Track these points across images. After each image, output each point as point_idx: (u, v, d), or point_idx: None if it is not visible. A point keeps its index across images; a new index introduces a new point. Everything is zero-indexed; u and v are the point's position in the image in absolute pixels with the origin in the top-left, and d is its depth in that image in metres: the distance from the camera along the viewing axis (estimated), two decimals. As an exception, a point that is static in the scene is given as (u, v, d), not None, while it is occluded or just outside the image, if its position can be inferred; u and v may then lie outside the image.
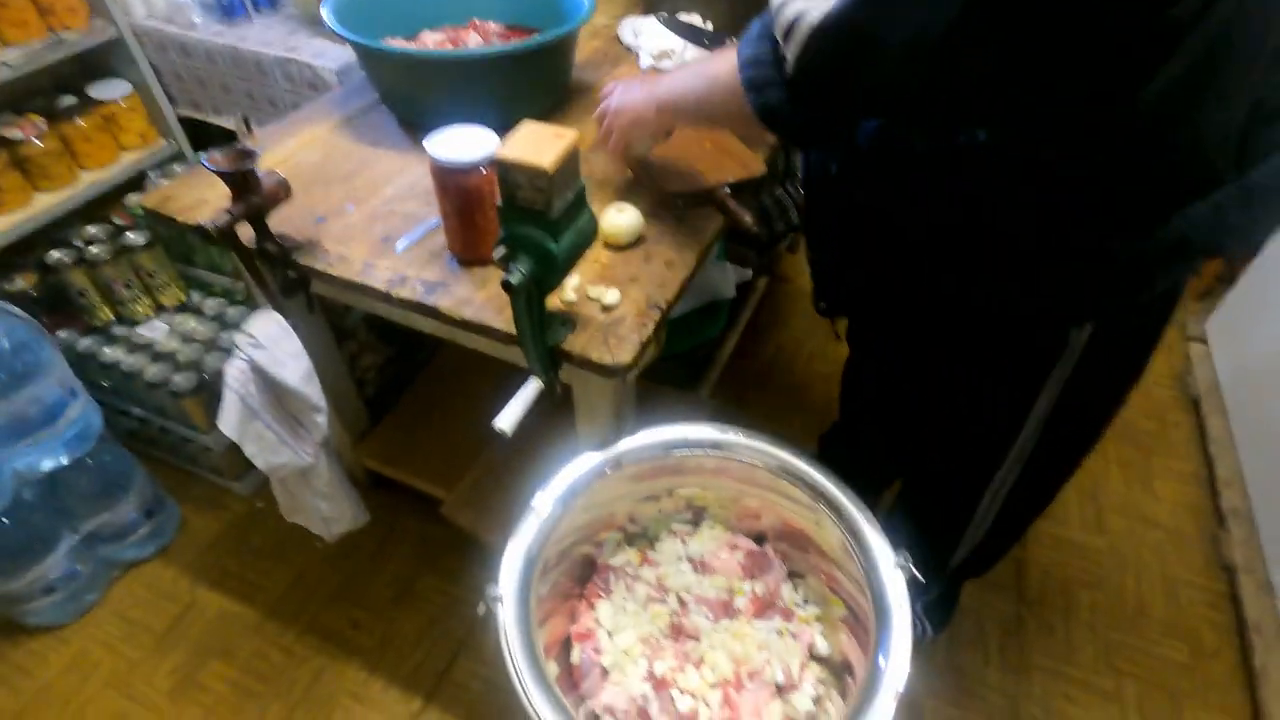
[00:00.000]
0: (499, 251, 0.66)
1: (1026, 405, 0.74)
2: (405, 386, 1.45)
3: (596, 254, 0.86)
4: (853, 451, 1.15)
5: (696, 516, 0.89)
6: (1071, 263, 0.61)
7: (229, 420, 0.86)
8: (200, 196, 0.94)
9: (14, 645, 1.24)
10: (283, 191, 0.82)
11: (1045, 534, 1.41)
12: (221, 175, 0.75)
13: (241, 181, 0.77)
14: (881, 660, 0.61)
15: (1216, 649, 1.24)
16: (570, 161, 0.62)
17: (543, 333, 0.72)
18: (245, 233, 0.85)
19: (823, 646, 0.77)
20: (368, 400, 1.39)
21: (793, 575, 0.85)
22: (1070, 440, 0.81)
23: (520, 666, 0.63)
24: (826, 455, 1.08)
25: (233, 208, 0.78)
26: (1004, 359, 0.74)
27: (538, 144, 0.61)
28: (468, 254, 0.85)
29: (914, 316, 0.81)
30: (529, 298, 0.68)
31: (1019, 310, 0.68)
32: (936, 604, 1.15)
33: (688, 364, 1.49)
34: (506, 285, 0.65)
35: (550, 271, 0.66)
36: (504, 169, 0.61)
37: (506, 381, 0.76)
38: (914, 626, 0.64)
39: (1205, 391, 1.63)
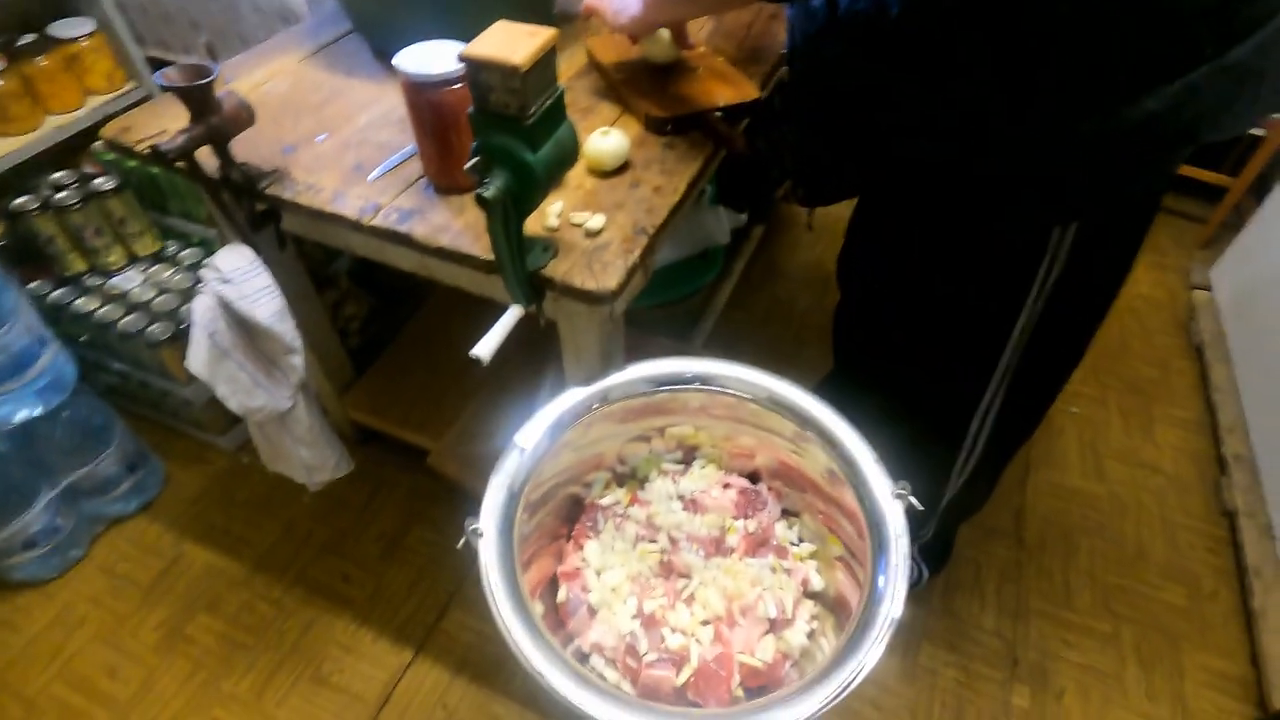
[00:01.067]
0: (472, 163, 0.62)
1: (1011, 316, 0.73)
2: (390, 340, 1.41)
3: (580, 180, 0.82)
4: (848, 395, 1.13)
5: (688, 457, 0.86)
6: (1040, 142, 0.59)
7: (197, 359, 0.82)
8: (161, 126, 0.89)
9: (-2, 601, 1.22)
10: (244, 114, 0.77)
11: (1045, 481, 1.39)
12: (176, 91, 0.70)
13: (199, 99, 0.72)
14: (880, 581, 0.59)
15: (1215, 591, 1.23)
16: (546, 61, 0.58)
17: (522, 255, 0.68)
18: (209, 164, 0.80)
19: (817, 582, 0.75)
20: (352, 352, 1.36)
21: (788, 514, 0.82)
22: (1054, 356, 0.80)
23: (500, 599, 0.60)
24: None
25: (190, 129, 0.73)
26: (987, 264, 0.72)
27: (510, 41, 0.56)
28: (444, 180, 0.80)
29: (894, 212, 0.79)
30: (506, 215, 0.63)
31: (987, 187, 0.66)
32: (931, 546, 1.14)
33: (681, 314, 1.46)
34: (480, 199, 0.61)
35: (528, 185, 0.62)
36: (474, 69, 0.57)
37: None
38: (910, 569, 0.62)
39: (1209, 339, 1.60)
